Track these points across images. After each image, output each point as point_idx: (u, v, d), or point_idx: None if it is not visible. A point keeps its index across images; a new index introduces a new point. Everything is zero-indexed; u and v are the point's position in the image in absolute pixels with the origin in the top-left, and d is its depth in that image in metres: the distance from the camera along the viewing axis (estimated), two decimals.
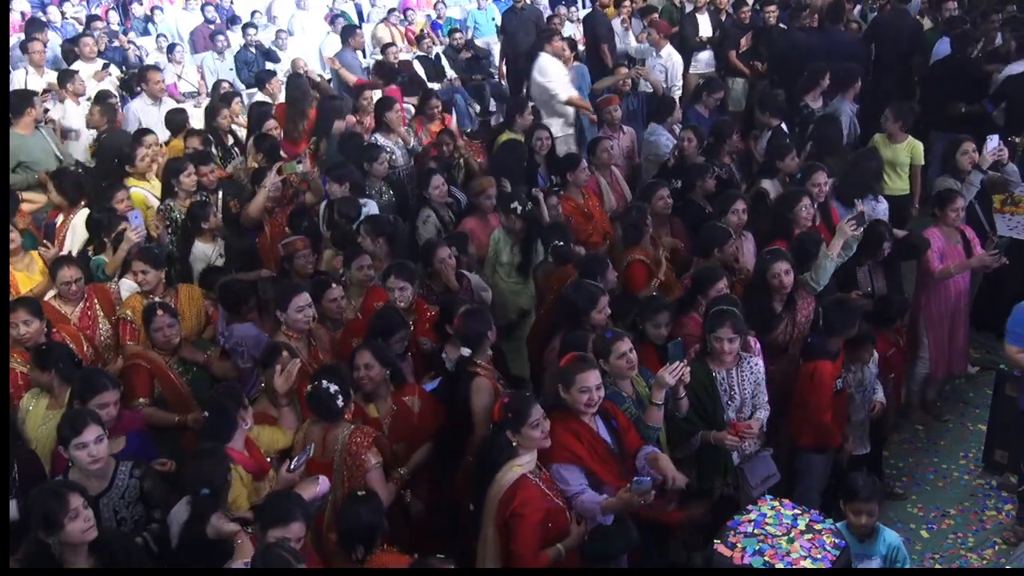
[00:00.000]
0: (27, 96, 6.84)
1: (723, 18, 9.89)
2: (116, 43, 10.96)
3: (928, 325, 5.65)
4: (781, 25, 9.27)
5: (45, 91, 8.14)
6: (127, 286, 5.22)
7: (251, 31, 10.77)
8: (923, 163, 6.74)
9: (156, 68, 8.31)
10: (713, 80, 8.36)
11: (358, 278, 5.09)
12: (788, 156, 6.28)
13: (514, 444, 3.57)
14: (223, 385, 4.20)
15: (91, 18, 11.85)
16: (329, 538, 3.75)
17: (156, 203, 6.26)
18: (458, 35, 11.35)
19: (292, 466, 3.69)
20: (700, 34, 9.80)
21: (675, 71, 8.97)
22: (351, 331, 4.84)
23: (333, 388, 3.84)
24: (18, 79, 8.33)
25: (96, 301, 5.06)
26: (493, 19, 12.71)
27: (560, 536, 3.60)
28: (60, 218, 6.03)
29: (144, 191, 6.35)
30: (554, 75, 8.05)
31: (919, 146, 6.70)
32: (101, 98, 7.94)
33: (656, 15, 9.96)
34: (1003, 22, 8.56)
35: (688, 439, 4.27)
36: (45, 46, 8.97)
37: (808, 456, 4.65)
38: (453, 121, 9.05)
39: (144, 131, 6.97)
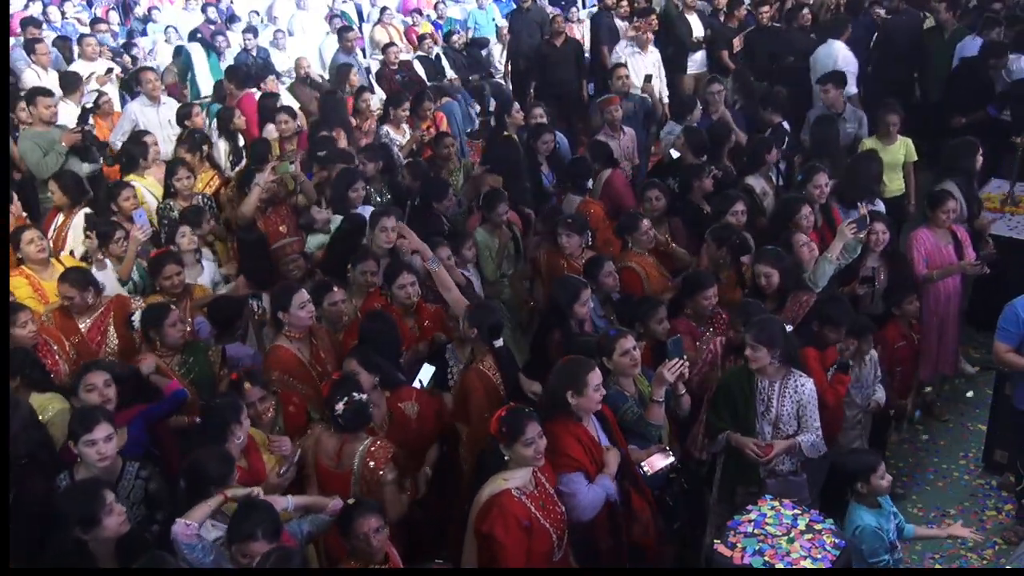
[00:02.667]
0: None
1: (721, 18, 9.89)
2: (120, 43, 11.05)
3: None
4: (774, 24, 9.27)
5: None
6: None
7: (248, 36, 10.77)
8: (915, 159, 6.78)
9: (151, 69, 8.30)
10: (714, 81, 8.30)
11: (361, 282, 5.07)
12: (767, 150, 6.31)
13: (505, 458, 3.56)
14: (223, 395, 4.15)
15: (95, 20, 11.87)
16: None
17: (152, 200, 6.27)
18: (455, 37, 11.31)
19: (281, 471, 3.71)
20: (694, 35, 9.81)
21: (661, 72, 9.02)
22: (352, 333, 4.83)
23: (364, 398, 3.85)
24: (29, 79, 8.37)
25: (112, 314, 4.94)
26: (493, 19, 12.72)
27: (540, 557, 3.55)
28: (60, 218, 6.05)
29: (143, 188, 6.36)
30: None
31: (910, 143, 6.74)
32: (94, 99, 8.01)
33: (654, 17, 9.96)
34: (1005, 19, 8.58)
35: (716, 436, 4.26)
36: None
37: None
38: (452, 122, 9.06)
39: (142, 132, 7.01)
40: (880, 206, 6.07)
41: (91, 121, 7.34)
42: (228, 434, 3.71)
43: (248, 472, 3.82)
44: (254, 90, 8.76)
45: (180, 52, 10.53)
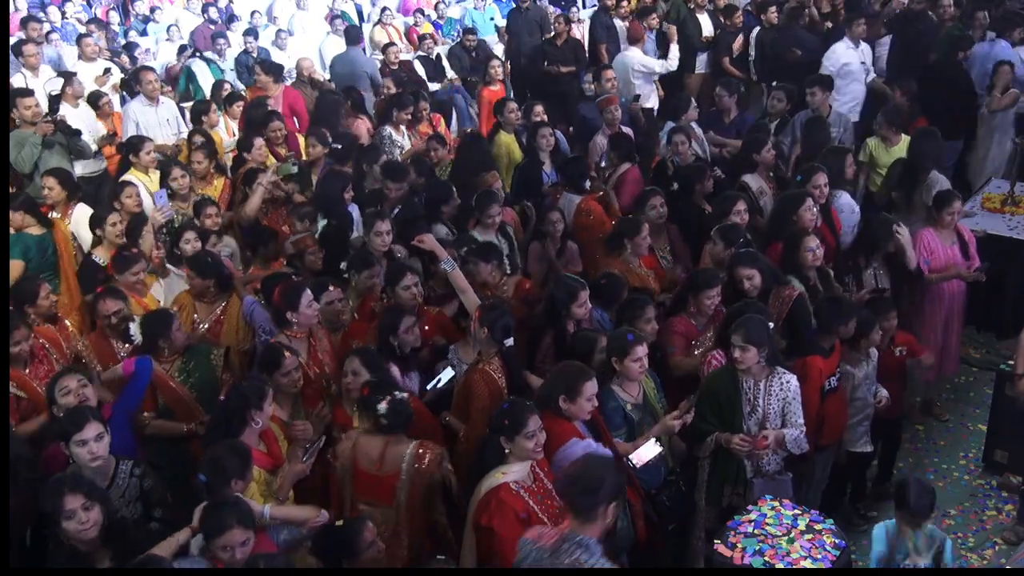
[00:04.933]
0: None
1: (720, 19, 9.92)
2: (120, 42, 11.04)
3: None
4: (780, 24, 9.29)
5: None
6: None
7: (249, 38, 10.77)
8: None
9: (150, 69, 8.31)
10: (729, 83, 8.12)
11: (364, 287, 5.06)
12: (764, 149, 6.29)
13: (506, 451, 3.57)
14: (251, 377, 4.12)
15: (93, 21, 11.87)
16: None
17: (148, 198, 6.26)
18: (471, 37, 11.22)
19: (304, 457, 3.71)
20: (704, 34, 9.82)
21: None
22: (352, 333, 4.84)
23: (406, 396, 3.85)
24: (16, 82, 8.35)
25: None
26: (492, 19, 12.71)
27: None
28: (53, 215, 6.05)
29: (140, 185, 6.34)
30: None
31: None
32: (94, 99, 8.01)
33: (655, 16, 9.97)
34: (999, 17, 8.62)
35: (704, 439, 4.25)
36: (40, 44, 8.99)
37: (814, 455, 4.54)
38: (452, 123, 9.10)
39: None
40: (844, 197, 6.04)
41: (62, 111, 7.35)
42: (248, 419, 3.70)
43: (267, 455, 3.83)
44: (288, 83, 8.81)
45: (183, 51, 10.54)
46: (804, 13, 9.48)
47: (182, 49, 10.60)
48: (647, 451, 3.88)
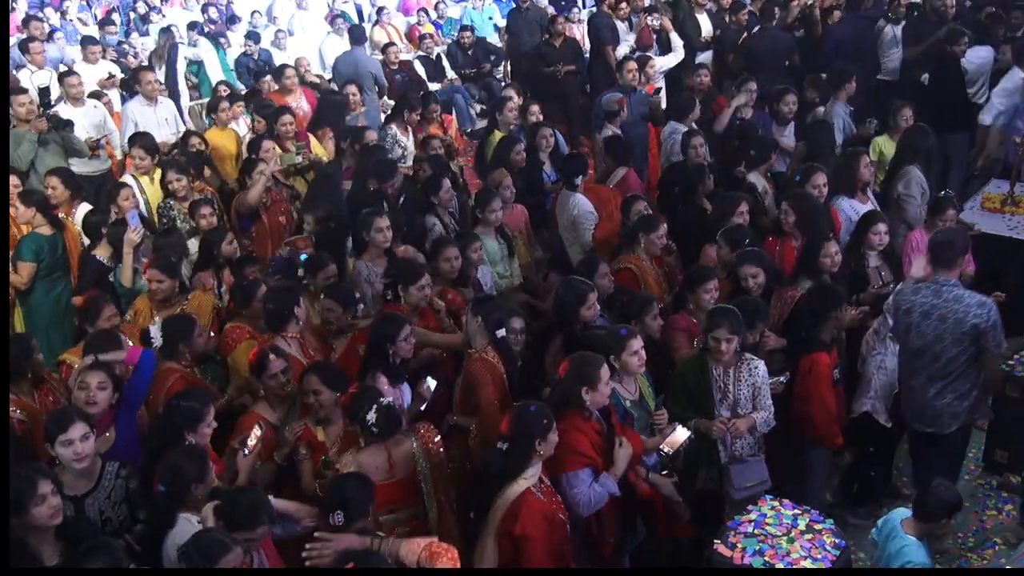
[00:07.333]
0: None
1: (726, 19, 9.91)
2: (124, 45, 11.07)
3: None
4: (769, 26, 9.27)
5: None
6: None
7: (249, 42, 10.76)
8: None
9: (148, 69, 8.31)
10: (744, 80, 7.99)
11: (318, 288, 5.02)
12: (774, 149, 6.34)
13: (540, 453, 3.53)
14: (195, 394, 3.94)
15: (103, 22, 11.88)
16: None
17: (140, 197, 6.27)
18: (467, 34, 11.24)
19: (246, 452, 3.71)
20: (703, 34, 9.82)
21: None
22: (358, 339, 4.80)
23: (390, 400, 3.82)
24: (23, 79, 8.36)
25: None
26: (491, 19, 12.72)
27: (561, 546, 3.58)
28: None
29: (135, 185, 6.33)
30: None
31: None
32: (95, 99, 8.03)
33: (655, 16, 9.96)
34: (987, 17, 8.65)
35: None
36: (43, 42, 9.01)
37: (814, 450, 4.58)
38: (454, 122, 9.10)
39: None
40: (844, 201, 6.00)
41: (54, 106, 7.35)
42: (182, 439, 3.65)
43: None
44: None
45: (167, 31, 10.47)
46: (779, 12, 9.45)
47: (166, 30, 10.48)
48: (677, 436, 3.94)
